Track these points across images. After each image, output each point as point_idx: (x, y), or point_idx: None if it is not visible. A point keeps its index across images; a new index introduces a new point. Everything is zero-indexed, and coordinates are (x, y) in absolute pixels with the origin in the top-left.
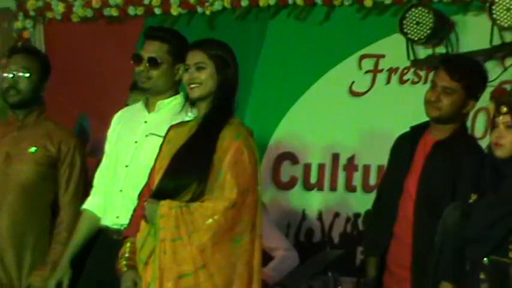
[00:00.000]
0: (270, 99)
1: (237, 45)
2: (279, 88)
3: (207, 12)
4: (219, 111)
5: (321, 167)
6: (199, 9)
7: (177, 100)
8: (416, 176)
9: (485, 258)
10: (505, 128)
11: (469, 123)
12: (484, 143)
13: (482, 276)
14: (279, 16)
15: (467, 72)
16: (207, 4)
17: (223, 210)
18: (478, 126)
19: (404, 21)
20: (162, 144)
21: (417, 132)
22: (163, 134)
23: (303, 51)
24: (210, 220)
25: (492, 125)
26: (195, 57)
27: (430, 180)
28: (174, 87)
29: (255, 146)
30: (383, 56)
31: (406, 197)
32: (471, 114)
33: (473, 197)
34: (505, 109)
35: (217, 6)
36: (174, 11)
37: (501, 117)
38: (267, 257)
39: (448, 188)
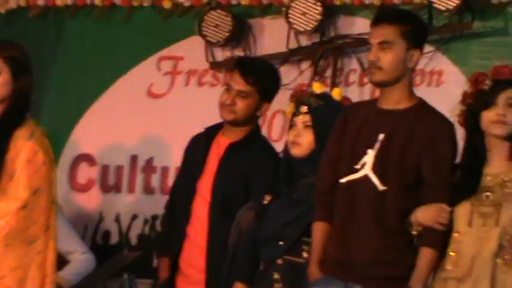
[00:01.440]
0: (68, 99)
1: (33, 44)
2: (77, 88)
3: (2, 11)
4: (12, 112)
5: (119, 168)
6: None
7: None
8: (211, 177)
9: (279, 258)
10: (303, 127)
11: (266, 126)
12: (280, 146)
13: (276, 276)
14: (78, 16)
15: (261, 76)
16: (0, 2)
17: (15, 211)
18: (275, 128)
19: (203, 24)
20: None
21: (211, 133)
22: None
23: (102, 52)
24: (2, 221)
25: (290, 125)
26: None
27: (225, 181)
28: None
29: (49, 147)
30: (182, 58)
31: (200, 198)
32: (268, 116)
33: (268, 197)
34: (304, 109)
35: (11, 4)
36: None
37: (300, 117)
38: (62, 261)
39: (243, 189)
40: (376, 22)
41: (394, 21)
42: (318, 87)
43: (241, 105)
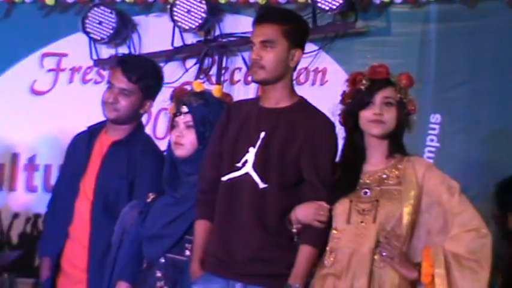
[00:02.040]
0: None
1: None
2: None
3: None
4: None
5: (1, 166)
6: None
7: None
8: (93, 176)
9: (162, 257)
10: (185, 128)
11: (151, 124)
12: (165, 143)
13: (158, 274)
14: None
15: (143, 74)
16: None
17: None
18: (160, 126)
19: (87, 21)
20: None
21: (94, 132)
22: None
23: None
24: None
25: (172, 125)
26: None
27: (107, 180)
28: None
29: None
30: (65, 55)
31: (83, 197)
32: (153, 114)
33: (152, 196)
34: (185, 109)
35: None
36: None
37: (182, 117)
38: None
39: (126, 187)
40: (258, 21)
41: (276, 21)
42: (197, 86)
43: (123, 103)
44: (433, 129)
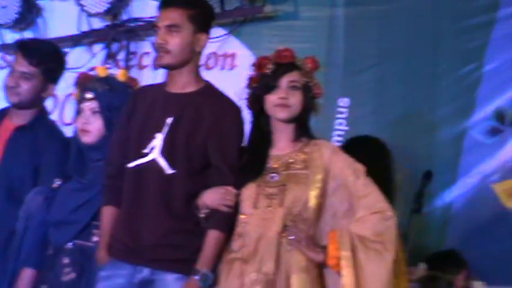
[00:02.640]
0: None
1: None
2: None
3: None
4: None
5: None
6: None
7: None
8: None
9: (68, 243)
10: (91, 114)
11: (58, 109)
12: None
13: (65, 260)
14: None
15: (44, 57)
16: None
17: None
18: (68, 111)
19: None
20: None
21: None
22: None
23: None
24: None
25: (78, 111)
26: None
27: (11, 165)
28: None
29: None
30: None
31: None
32: (60, 100)
33: (58, 181)
34: (90, 95)
35: None
36: None
37: (87, 103)
38: None
39: (30, 173)
40: (164, 5)
41: (181, 5)
42: (101, 71)
43: (25, 87)
44: (342, 112)
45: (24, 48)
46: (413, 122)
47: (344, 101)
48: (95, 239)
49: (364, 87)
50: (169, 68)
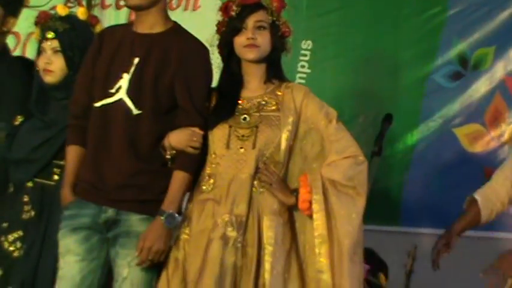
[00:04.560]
0: None
1: None
2: None
3: None
4: None
5: None
6: None
7: None
8: None
9: (29, 181)
10: (53, 53)
11: (20, 48)
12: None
13: (25, 199)
14: None
15: None
16: None
17: None
18: (29, 50)
19: None
20: None
21: None
22: None
23: None
24: None
25: (39, 51)
26: None
27: None
28: None
29: None
30: None
31: None
32: (22, 38)
33: (19, 118)
34: (51, 34)
35: None
36: None
37: (48, 43)
38: None
39: None
40: None
41: None
42: (62, 10)
43: None
44: (304, 55)
45: None
46: (376, 65)
47: (307, 44)
48: (56, 177)
49: (327, 30)
50: (139, 8)
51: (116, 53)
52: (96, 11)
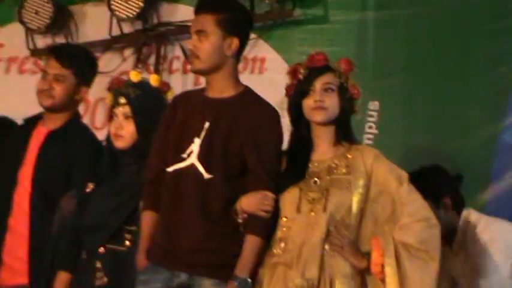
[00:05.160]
0: None
1: None
2: None
3: None
4: None
5: None
6: None
7: None
8: (30, 166)
9: (101, 247)
10: (124, 119)
11: (89, 114)
12: (103, 134)
13: (98, 265)
14: None
15: (76, 59)
16: None
17: None
18: (99, 116)
19: (23, 10)
20: None
21: (30, 123)
22: None
23: None
24: None
25: (111, 116)
26: None
27: (44, 170)
28: None
29: None
30: (2, 45)
31: (21, 188)
32: (92, 104)
33: (91, 185)
34: (123, 100)
35: None
36: None
37: (120, 108)
38: None
39: (63, 177)
40: (195, 11)
41: (210, 10)
42: (134, 76)
43: (58, 89)
44: (372, 116)
45: (56, 51)
46: (444, 125)
47: (374, 105)
48: (127, 243)
49: (394, 90)
50: (201, 73)
51: (189, 118)
52: (163, 76)
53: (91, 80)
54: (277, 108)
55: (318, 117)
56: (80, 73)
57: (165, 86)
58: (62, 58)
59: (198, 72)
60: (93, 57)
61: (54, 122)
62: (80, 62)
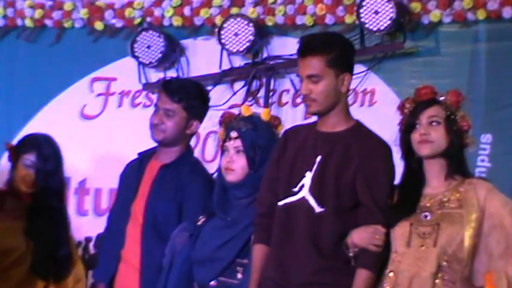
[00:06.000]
0: None
1: None
2: (8, 111)
3: None
4: None
5: None
6: None
7: None
8: (143, 199)
9: (213, 280)
10: (235, 153)
11: (199, 147)
12: (214, 166)
13: None
14: (8, 37)
15: (186, 94)
16: None
17: None
18: (209, 149)
19: (135, 45)
20: None
21: (145, 157)
22: None
23: (33, 73)
24: None
25: (222, 150)
26: None
27: (156, 203)
28: None
29: None
30: (115, 79)
31: (133, 221)
32: (202, 137)
33: (202, 218)
34: (234, 134)
35: None
36: None
37: (231, 142)
38: None
39: (175, 210)
40: (301, 54)
41: (318, 53)
42: (245, 111)
43: (169, 124)
44: (484, 149)
45: (167, 86)
46: None
47: (486, 137)
48: (239, 276)
49: (507, 123)
50: (319, 114)
51: (300, 152)
52: (273, 109)
53: (202, 114)
54: (388, 142)
55: (424, 150)
56: (190, 107)
57: (276, 120)
58: (172, 93)
59: (315, 114)
60: (204, 91)
61: (167, 155)
62: (189, 96)
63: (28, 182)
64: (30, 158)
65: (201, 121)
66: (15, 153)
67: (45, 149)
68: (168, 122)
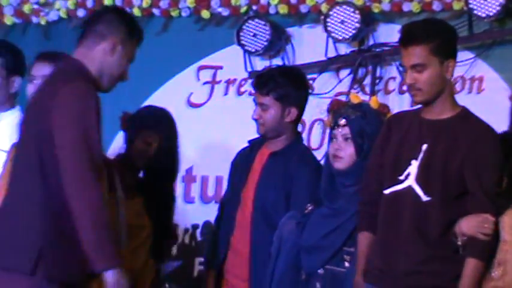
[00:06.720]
0: (107, 110)
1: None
2: (116, 99)
3: (42, 22)
4: None
5: None
6: (34, 19)
7: (15, 113)
8: (252, 187)
9: (320, 268)
10: (343, 140)
11: (305, 135)
12: (319, 154)
13: (317, 285)
14: None
15: (274, 84)
16: (42, 14)
17: None
18: (314, 137)
19: (241, 33)
20: None
21: (255, 145)
22: (4, 147)
23: (140, 62)
24: None
25: (330, 137)
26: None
27: (266, 190)
28: (10, 100)
29: None
30: (221, 68)
31: (243, 208)
32: (307, 125)
33: (310, 206)
34: (343, 121)
35: (52, 16)
36: (8, 20)
37: (340, 129)
38: None
39: (283, 198)
40: (404, 44)
41: (421, 41)
42: (354, 98)
43: (265, 117)
44: None
45: (256, 81)
46: None
47: None
48: (347, 264)
49: None
50: (425, 103)
51: (404, 140)
52: (379, 97)
53: (298, 99)
54: (496, 130)
55: None
56: (281, 97)
57: (385, 108)
58: (260, 87)
59: (421, 104)
60: (296, 76)
61: (276, 144)
62: (278, 86)
63: (146, 158)
64: (151, 134)
65: (298, 106)
66: (134, 127)
67: (167, 128)
68: (264, 115)
